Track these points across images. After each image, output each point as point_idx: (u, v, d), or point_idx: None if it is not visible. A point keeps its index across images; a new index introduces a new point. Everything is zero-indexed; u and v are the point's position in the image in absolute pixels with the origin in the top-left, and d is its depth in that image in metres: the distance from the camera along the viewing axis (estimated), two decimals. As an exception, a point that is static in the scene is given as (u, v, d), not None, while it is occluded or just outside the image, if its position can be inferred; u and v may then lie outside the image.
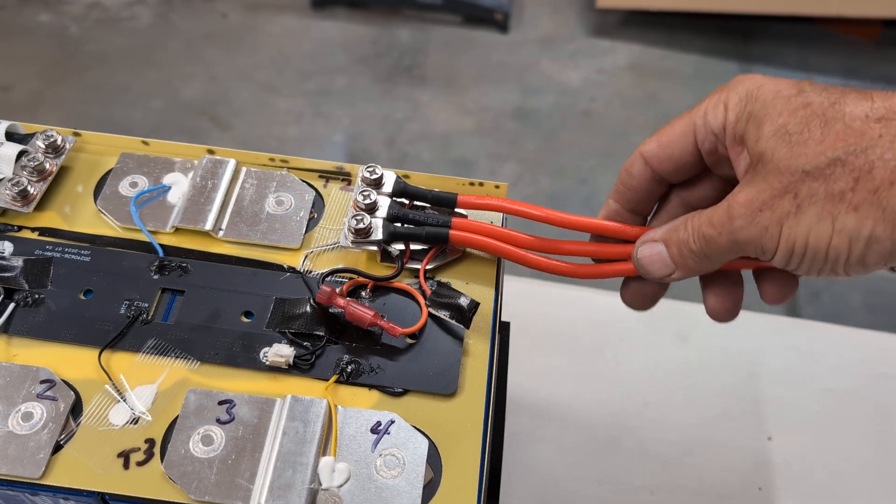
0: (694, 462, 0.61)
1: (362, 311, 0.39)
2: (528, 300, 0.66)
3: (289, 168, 0.47)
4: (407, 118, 1.89)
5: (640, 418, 0.62)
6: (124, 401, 0.38)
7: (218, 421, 0.37)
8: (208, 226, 0.43)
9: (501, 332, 0.53)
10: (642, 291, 0.41)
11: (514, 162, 1.84)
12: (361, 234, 0.41)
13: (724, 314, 0.40)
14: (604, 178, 1.81)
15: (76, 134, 0.47)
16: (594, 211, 0.42)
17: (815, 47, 2.10)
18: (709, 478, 0.60)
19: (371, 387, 0.39)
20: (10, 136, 0.45)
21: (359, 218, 0.41)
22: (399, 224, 0.42)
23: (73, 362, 0.39)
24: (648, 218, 0.42)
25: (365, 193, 0.42)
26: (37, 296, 0.41)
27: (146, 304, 0.41)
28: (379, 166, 0.43)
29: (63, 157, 0.45)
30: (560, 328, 0.66)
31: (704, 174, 0.39)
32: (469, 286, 0.43)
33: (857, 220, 0.31)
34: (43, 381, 0.38)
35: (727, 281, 0.39)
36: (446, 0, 2.07)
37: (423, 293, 0.42)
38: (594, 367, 0.64)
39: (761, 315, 0.70)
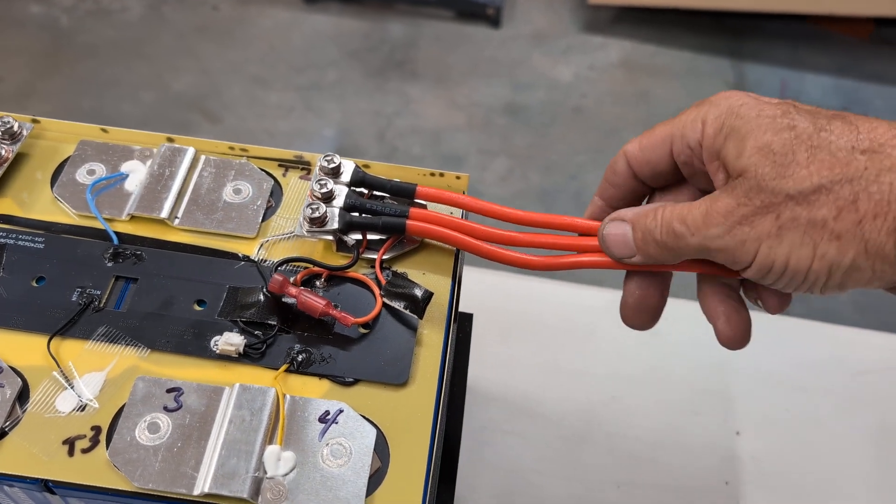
0: (661, 457, 0.61)
1: (314, 301, 0.39)
2: (497, 293, 0.66)
3: (248, 157, 0.46)
4: (397, 113, 1.89)
5: (608, 413, 0.62)
6: (72, 388, 0.37)
7: (165, 409, 0.37)
8: (164, 214, 0.43)
9: (462, 323, 0.53)
10: (643, 305, 0.40)
11: (504, 157, 1.84)
12: (317, 224, 0.41)
13: (739, 340, 0.39)
14: (594, 174, 1.81)
15: (35, 121, 0.46)
16: (583, 206, 0.42)
17: (807, 45, 2.09)
18: (676, 472, 0.60)
19: (322, 376, 0.39)
20: (-32, 122, 0.45)
21: (314, 207, 0.41)
22: (356, 214, 0.42)
23: (21, 349, 0.38)
24: None
25: (322, 182, 0.42)
26: (-11, 282, 0.40)
27: (98, 292, 0.41)
28: (337, 155, 0.43)
29: (20, 143, 0.45)
30: (529, 322, 0.66)
31: (684, 182, 0.39)
32: (426, 277, 0.43)
33: (838, 249, 0.31)
34: (-10, 368, 0.37)
35: (731, 304, 0.38)
36: (438, -6, 2.07)
37: (379, 283, 0.41)
38: (563, 360, 0.64)
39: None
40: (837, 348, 0.67)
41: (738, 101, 0.34)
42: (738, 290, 0.39)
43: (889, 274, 0.31)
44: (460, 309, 0.56)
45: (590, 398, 0.62)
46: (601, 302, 0.68)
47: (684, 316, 0.68)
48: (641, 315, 0.40)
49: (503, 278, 0.66)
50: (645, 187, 0.40)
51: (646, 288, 0.40)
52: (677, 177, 0.39)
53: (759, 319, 0.72)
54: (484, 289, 0.65)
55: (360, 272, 0.42)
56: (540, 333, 0.65)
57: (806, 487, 0.61)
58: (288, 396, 0.38)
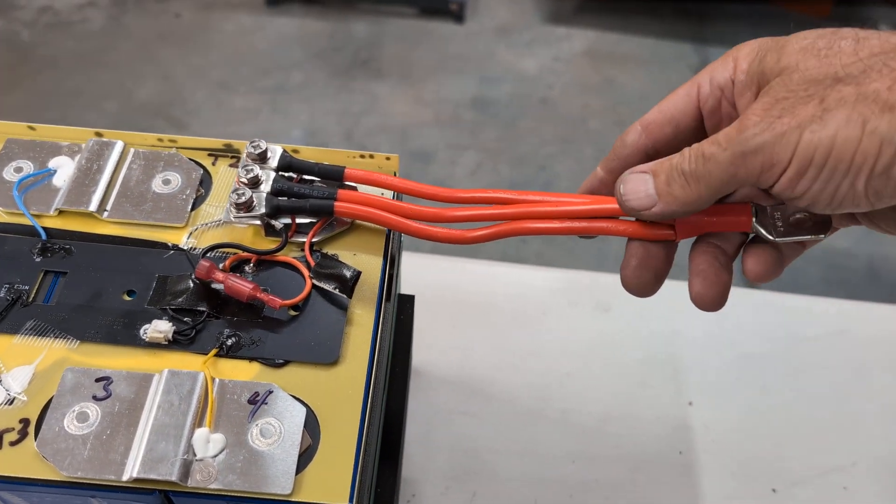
0: (615, 430, 0.61)
1: (241, 285, 0.39)
2: (446, 277, 0.66)
3: (178, 148, 0.47)
4: (365, 111, 1.89)
5: (562, 389, 0.62)
6: None
7: (94, 398, 0.37)
8: (93, 207, 0.43)
9: (403, 304, 0.53)
10: (647, 265, 0.38)
11: (473, 151, 1.84)
12: (243, 209, 0.41)
13: (710, 302, 0.37)
14: (563, 164, 1.82)
15: (-40, 121, 0.46)
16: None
17: (768, 25, 2.12)
18: (630, 444, 0.60)
19: (252, 359, 0.39)
20: None
21: (240, 193, 0.41)
22: (284, 198, 0.42)
23: (-52, 347, 0.38)
24: None
25: (248, 168, 0.42)
26: (-84, 283, 0.40)
27: (27, 287, 0.41)
28: (264, 141, 0.43)
29: (-55, 144, 0.44)
30: (480, 304, 0.66)
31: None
32: (357, 257, 0.43)
33: (891, 121, 0.28)
34: (-83, 366, 0.37)
35: (716, 265, 0.37)
36: (400, -8, 2.08)
37: (308, 265, 0.42)
38: (515, 340, 0.65)
39: (680, 283, 0.70)
40: (784, 315, 0.68)
41: (767, 39, 0.34)
42: (730, 257, 0.38)
43: None
44: (405, 292, 0.56)
45: (543, 376, 0.63)
46: (552, 283, 0.69)
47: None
48: (643, 275, 0.38)
49: (452, 263, 0.67)
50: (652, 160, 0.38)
51: (650, 247, 0.38)
52: (698, 134, 0.37)
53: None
54: (432, 273, 0.65)
55: (290, 256, 0.42)
56: (491, 315, 0.66)
57: (759, 454, 0.62)
58: (217, 380, 0.38)
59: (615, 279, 0.70)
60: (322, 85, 1.93)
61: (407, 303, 0.53)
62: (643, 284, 0.39)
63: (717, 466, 0.60)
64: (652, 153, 0.38)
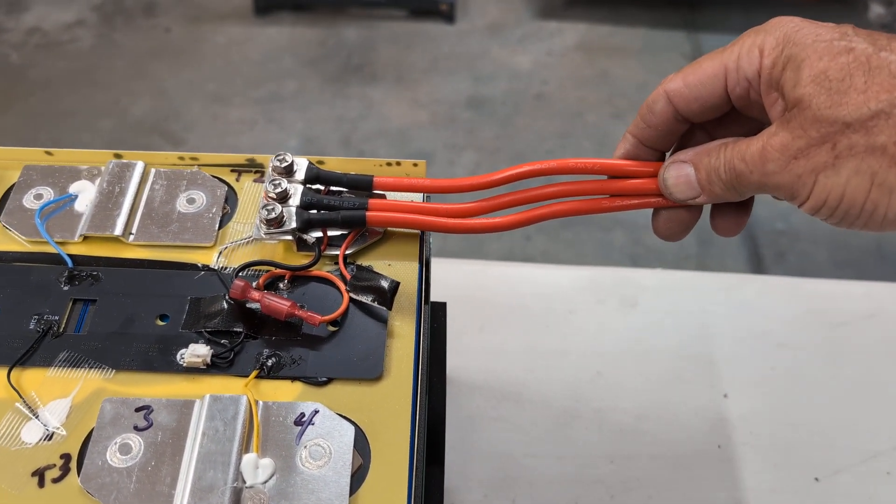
0: (651, 427, 0.60)
1: (278, 303, 0.38)
2: (471, 282, 0.65)
3: (199, 165, 0.45)
4: (361, 116, 1.88)
5: (594, 389, 0.61)
6: (37, 417, 0.36)
7: (136, 428, 0.36)
8: (118, 231, 0.42)
9: (436, 312, 0.52)
10: (675, 218, 0.40)
11: (471, 151, 1.83)
12: (274, 225, 0.40)
13: (729, 230, 0.39)
14: (562, 158, 1.81)
15: (-25, 150, 0.45)
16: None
17: (759, 11, 2.10)
18: (668, 441, 0.59)
19: (294, 379, 0.38)
20: None
21: (269, 208, 0.40)
22: (314, 211, 0.41)
23: (-19, 383, 0.37)
24: (667, 154, 0.40)
25: (275, 183, 0.41)
26: (-58, 319, 0.39)
27: (56, 317, 0.39)
28: (289, 154, 0.42)
29: (-39, 174, 0.43)
30: (507, 307, 0.65)
31: (733, 114, 0.38)
32: (392, 267, 0.42)
33: None
34: (-50, 406, 0.36)
35: (738, 205, 0.39)
36: (390, -5, 2.07)
37: (344, 279, 0.41)
38: (544, 342, 0.64)
39: (709, 274, 0.70)
40: (815, 302, 0.67)
41: (794, 26, 0.33)
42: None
43: None
44: (433, 299, 0.55)
45: (574, 376, 0.62)
46: (576, 281, 0.68)
47: (663, 286, 0.68)
48: (672, 227, 0.40)
49: (477, 267, 0.66)
50: (683, 125, 0.38)
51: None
52: (726, 110, 0.37)
53: (736, 280, 0.72)
54: (458, 279, 0.64)
55: (323, 270, 0.41)
56: (519, 318, 0.65)
57: (798, 443, 0.61)
58: (261, 402, 0.37)
59: (639, 274, 0.69)
60: (316, 92, 1.92)
61: (439, 310, 0.52)
62: (672, 233, 0.40)
63: (757, 459, 0.59)
64: (680, 119, 0.38)
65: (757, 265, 1.52)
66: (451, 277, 0.59)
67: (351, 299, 0.40)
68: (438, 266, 0.59)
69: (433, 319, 0.52)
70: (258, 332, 0.39)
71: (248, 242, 0.43)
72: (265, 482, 0.35)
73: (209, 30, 2.05)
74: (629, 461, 0.58)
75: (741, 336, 0.65)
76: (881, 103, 0.30)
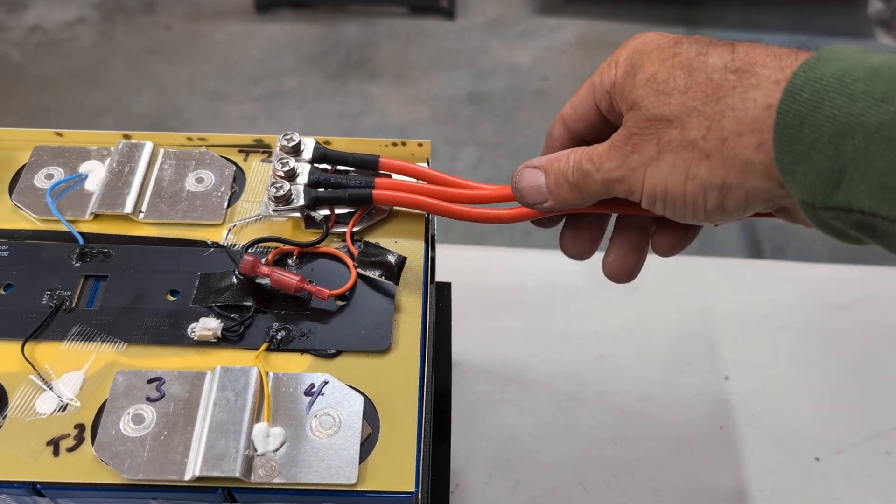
0: (654, 409, 0.61)
1: (288, 277, 0.39)
2: (476, 266, 0.66)
3: (208, 146, 0.46)
4: (361, 113, 1.88)
5: (597, 371, 0.62)
6: (51, 389, 0.37)
7: (148, 399, 0.36)
8: (128, 209, 0.43)
9: (441, 292, 0.53)
10: (580, 236, 0.41)
11: (472, 146, 1.84)
12: (282, 202, 0.41)
13: (621, 274, 0.40)
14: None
15: (-14, 131, 0.46)
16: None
17: (757, 6, 2.12)
18: (670, 422, 0.60)
19: (303, 351, 0.39)
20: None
21: (278, 186, 0.41)
22: (321, 189, 0.42)
23: (-5, 357, 0.38)
24: None
25: (283, 161, 0.42)
26: (-44, 295, 0.40)
27: (69, 293, 0.40)
28: (297, 133, 0.43)
29: (-27, 154, 0.44)
30: (510, 292, 0.66)
31: (612, 127, 0.39)
32: (398, 244, 0.43)
33: (708, 168, 0.31)
34: (-35, 378, 0.37)
35: (629, 242, 0.39)
36: (389, -9, 2.07)
37: (351, 255, 0.41)
38: (547, 326, 0.64)
39: (710, 259, 0.70)
40: (815, 285, 0.68)
41: (644, 39, 0.35)
42: (646, 235, 0.40)
43: (764, 190, 0.31)
44: (438, 280, 0.56)
45: (577, 359, 0.63)
46: (578, 266, 0.68)
47: (663, 270, 0.68)
48: (579, 244, 0.41)
49: (479, 252, 0.66)
50: (581, 144, 0.40)
51: (623, 244, 0.40)
52: (609, 127, 0.39)
53: (737, 265, 0.73)
54: (461, 264, 0.64)
55: (331, 246, 0.42)
56: (521, 302, 0.65)
57: (799, 424, 0.61)
58: (271, 374, 0.37)
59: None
60: (317, 89, 1.93)
61: (444, 290, 0.53)
62: (580, 252, 0.41)
63: (758, 439, 0.60)
64: (576, 139, 0.40)
65: (756, 255, 1.52)
66: (454, 264, 0.60)
67: (359, 274, 0.41)
68: (441, 252, 0.60)
69: (438, 299, 0.53)
70: (267, 307, 0.40)
71: (256, 220, 0.43)
72: (276, 450, 0.35)
73: (209, 27, 2.06)
74: (632, 442, 0.59)
75: (742, 319, 0.66)
76: (696, 101, 0.31)
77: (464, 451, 0.58)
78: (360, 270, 0.41)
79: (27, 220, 0.43)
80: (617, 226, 0.40)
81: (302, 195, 0.41)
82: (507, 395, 0.61)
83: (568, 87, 1.94)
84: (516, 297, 0.66)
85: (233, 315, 0.39)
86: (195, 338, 0.39)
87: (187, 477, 0.34)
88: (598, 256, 0.42)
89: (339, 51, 2.02)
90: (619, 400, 0.61)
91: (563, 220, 0.41)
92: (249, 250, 0.41)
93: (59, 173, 0.44)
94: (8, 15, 2.09)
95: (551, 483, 0.58)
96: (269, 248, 0.42)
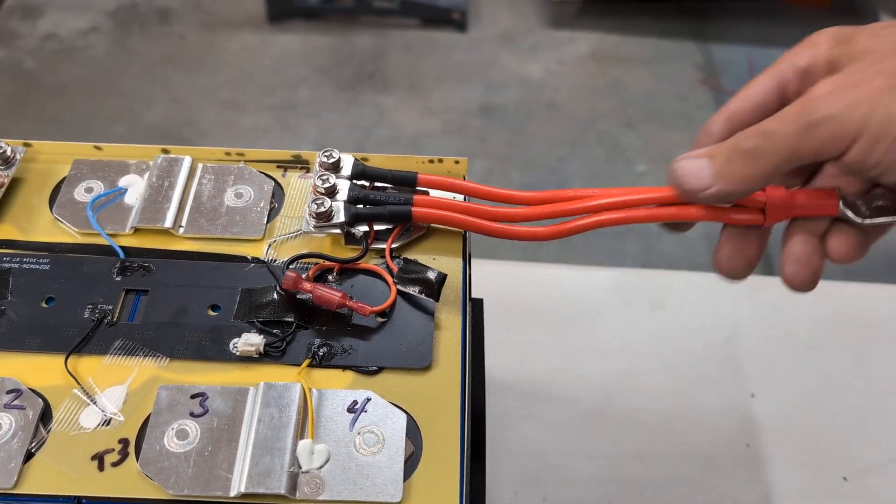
0: (680, 426, 0.61)
1: (330, 294, 0.39)
2: (501, 281, 0.66)
3: (246, 161, 0.46)
4: (374, 124, 1.89)
5: (623, 388, 0.62)
6: (94, 403, 0.37)
7: (192, 414, 0.36)
8: (168, 223, 0.43)
9: (474, 307, 0.53)
10: (740, 251, 0.38)
11: (483, 158, 1.84)
12: (323, 218, 0.41)
13: (802, 283, 0.37)
14: (573, 166, 1.82)
15: (27, 144, 0.46)
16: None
17: (769, 21, 2.12)
18: (696, 440, 0.60)
19: (345, 368, 0.39)
20: (-40, 151, 0.44)
21: (319, 202, 0.41)
22: (360, 205, 0.42)
23: (39, 370, 0.38)
24: None
25: (323, 178, 0.42)
26: (-2, 308, 0.40)
27: (110, 307, 0.40)
28: (336, 150, 0.43)
29: (13, 168, 0.44)
30: (536, 307, 0.66)
31: None
32: (436, 261, 0.43)
33: None
34: (9, 392, 0.37)
35: (808, 248, 0.37)
36: (402, 3, 2.08)
37: (391, 271, 0.41)
38: (573, 342, 0.64)
39: (734, 276, 0.70)
40: (843, 303, 0.68)
41: (846, 27, 0.35)
42: (820, 239, 0.38)
43: None
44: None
45: (603, 376, 0.63)
46: (603, 282, 0.68)
47: (689, 287, 0.69)
48: (735, 262, 0.38)
49: (506, 266, 0.66)
50: None
51: (742, 236, 0.38)
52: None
53: (764, 283, 0.72)
54: (488, 278, 0.64)
55: (370, 263, 0.42)
56: (548, 318, 0.65)
57: (826, 443, 0.61)
58: (314, 390, 0.37)
59: (665, 276, 0.70)
60: (329, 100, 1.93)
61: (477, 306, 0.53)
62: (734, 270, 0.39)
63: (785, 458, 0.60)
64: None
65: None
66: (479, 277, 0.60)
67: (398, 291, 0.41)
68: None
69: (472, 314, 0.53)
70: (309, 323, 0.40)
71: (296, 236, 0.43)
72: (320, 467, 0.35)
73: (223, 37, 2.07)
74: (659, 460, 0.59)
75: (768, 336, 0.65)
76: None
77: (490, 468, 0.57)
78: (400, 287, 0.41)
79: (68, 234, 0.43)
80: (787, 234, 0.38)
81: (342, 212, 0.41)
82: (534, 410, 0.61)
83: (580, 100, 1.95)
84: (541, 313, 0.66)
85: (275, 331, 0.40)
86: (237, 353, 0.39)
87: (233, 493, 0.34)
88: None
89: (352, 62, 2.03)
90: (646, 417, 0.61)
91: (720, 235, 0.39)
92: (291, 266, 0.41)
93: (98, 187, 0.45)
94: (22, 23, 2.10)
95: (579, 500, 0.57)
96: (309, 264, 0.42)
